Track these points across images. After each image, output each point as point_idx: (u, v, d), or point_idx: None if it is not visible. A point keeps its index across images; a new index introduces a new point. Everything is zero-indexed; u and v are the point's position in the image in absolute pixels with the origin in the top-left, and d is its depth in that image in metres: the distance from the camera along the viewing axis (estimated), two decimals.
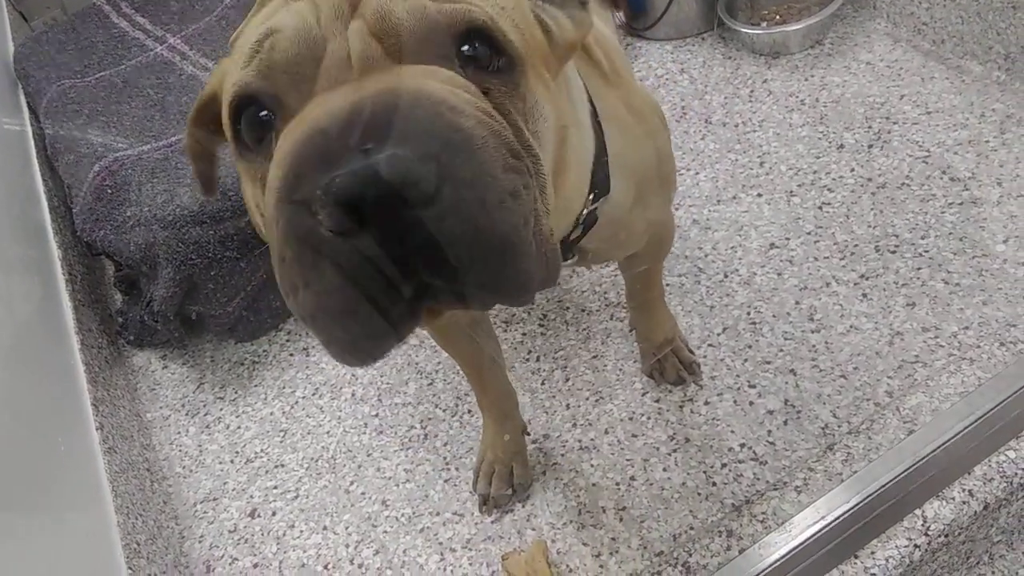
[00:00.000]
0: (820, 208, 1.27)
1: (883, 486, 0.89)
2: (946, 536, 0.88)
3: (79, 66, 1.75)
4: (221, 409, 1.31)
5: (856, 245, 1.21)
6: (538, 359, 1.22)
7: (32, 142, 1.64)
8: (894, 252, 1.18)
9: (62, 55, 1.81)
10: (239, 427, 1.28)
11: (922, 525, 0.87)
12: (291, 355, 1.36)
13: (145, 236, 1.27)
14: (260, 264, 1.34)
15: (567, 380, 1.18)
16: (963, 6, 1.36)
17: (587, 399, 1.14)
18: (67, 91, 1.66)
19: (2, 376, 1.04)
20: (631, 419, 1.10)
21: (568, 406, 1.14)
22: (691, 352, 1.14)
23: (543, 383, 1.18)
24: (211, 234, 1.27)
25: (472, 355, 0.98)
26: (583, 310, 1.26)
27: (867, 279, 1.16)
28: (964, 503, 0.88)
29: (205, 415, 1.31)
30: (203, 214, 1.27)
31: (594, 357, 1.19)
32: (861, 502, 0.89)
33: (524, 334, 1.26)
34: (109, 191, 1.35)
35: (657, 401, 1.11)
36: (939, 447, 0.90)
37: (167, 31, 1.80)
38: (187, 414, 1.32)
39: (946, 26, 1.42)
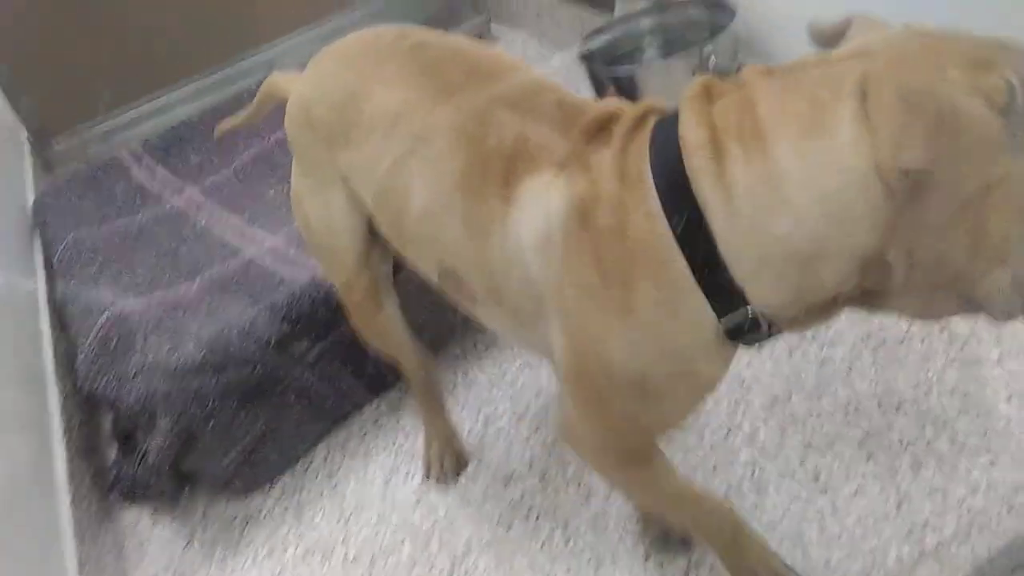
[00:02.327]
0: (821, 364, 1.27)
1: None
2: None
3: (98, 215, 1.80)
4: (209, 569, 1.27)
5: (859, 402, 1.19)
6: (537, 518, 1.18)
7: (44, 293, 1.67)
8: (898, 409, 1.17)
9: (83, 202, 1.86)
10: None
11: None
12: (285, 510, 1.33)
13: (146, 385, 1.27)
14: (260, 414, 1.33)
15: (568, 542, 1.14)
16: None
17: (588, 562, 1.10)
18: (83, 240, 1.70)
19: None
20: None
21: (569, 569, 1.10)
22: None
23: (542, 546, 1.14)
24: (212, 383, 1.27)
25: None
26: (584, 466, 1.23)
27: (871, 437, 1.14)
28: None
29: None
30: (207, 363, 1.27)
31: (596, 516, 1.16)
32: None
33: (524, 491, 1.23)
34: (114, 341, 1.36)
35: (661, 566, 1.07)
36: None
37: (186, 181, 1.86)
38: None
39: None
